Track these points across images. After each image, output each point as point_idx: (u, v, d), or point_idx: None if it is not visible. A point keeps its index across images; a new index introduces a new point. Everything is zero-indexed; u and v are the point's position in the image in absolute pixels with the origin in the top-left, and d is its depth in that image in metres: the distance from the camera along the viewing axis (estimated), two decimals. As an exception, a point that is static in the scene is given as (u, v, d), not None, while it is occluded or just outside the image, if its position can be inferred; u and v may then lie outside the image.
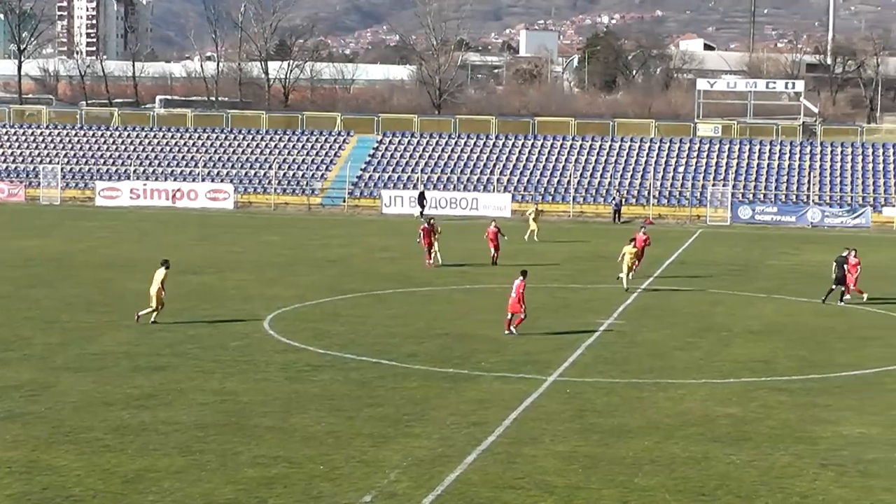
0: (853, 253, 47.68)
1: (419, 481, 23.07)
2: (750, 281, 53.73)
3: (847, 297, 47.09)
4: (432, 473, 23.58)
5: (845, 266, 46.89)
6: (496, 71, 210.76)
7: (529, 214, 69.78)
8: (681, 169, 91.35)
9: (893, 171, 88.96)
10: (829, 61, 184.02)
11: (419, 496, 22.23)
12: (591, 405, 29.64)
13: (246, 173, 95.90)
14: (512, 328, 38.36)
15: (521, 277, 38.71)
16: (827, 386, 32.72)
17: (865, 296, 47.21)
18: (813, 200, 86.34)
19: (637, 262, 50.28)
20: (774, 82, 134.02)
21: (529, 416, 28.40)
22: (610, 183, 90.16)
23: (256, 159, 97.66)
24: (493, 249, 56.69)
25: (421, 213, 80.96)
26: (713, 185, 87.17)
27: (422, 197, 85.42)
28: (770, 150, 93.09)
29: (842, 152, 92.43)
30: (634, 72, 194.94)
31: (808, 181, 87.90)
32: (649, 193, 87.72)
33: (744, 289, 51.06)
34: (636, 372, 33.69)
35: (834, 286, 46.87)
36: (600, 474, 23.95)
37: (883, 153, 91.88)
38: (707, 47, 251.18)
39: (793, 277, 55.92)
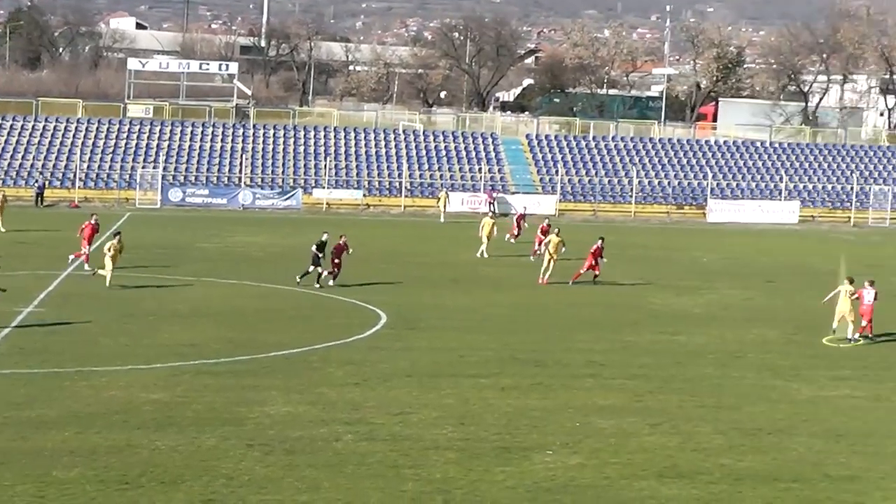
0: (343, 239, 47.62)
1: None
2: (180, 264, 52.87)
3: (331, 282, 46.99)
4: None
5: (320, 252, 46.83)
6: None
7: None
8: (109, 150, 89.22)
9: (324, 153, 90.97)
10: (263, 44, 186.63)
11: None
12: (7, 398, 28.13)
13: None
14: None
15: None
16: (255, 367, 32.70)
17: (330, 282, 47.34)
18: (245, 182, 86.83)
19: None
20: (208, 64, 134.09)
21: (-64, 412, 26.37)
22: (32, 165, 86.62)
23: None
24: None
25: None
26: (143, 167, 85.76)
27: None
28: (203, 132, 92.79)
29: (274, 135, 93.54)
30: (61, 49, 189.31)
31: (241, 163, 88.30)
32: (75, 176, 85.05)
33: (173, 272, 50.16)
34: (57, 361, 32.25)
35: (311, 268, 46.67)
36: (15, 469, 22.80)
37: (314, 136, 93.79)
38: (139, 26, 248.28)
39: (223, 260, 55.75)
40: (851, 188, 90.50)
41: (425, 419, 27.69)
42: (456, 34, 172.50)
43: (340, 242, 47.48)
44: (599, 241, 50.31)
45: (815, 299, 48.28)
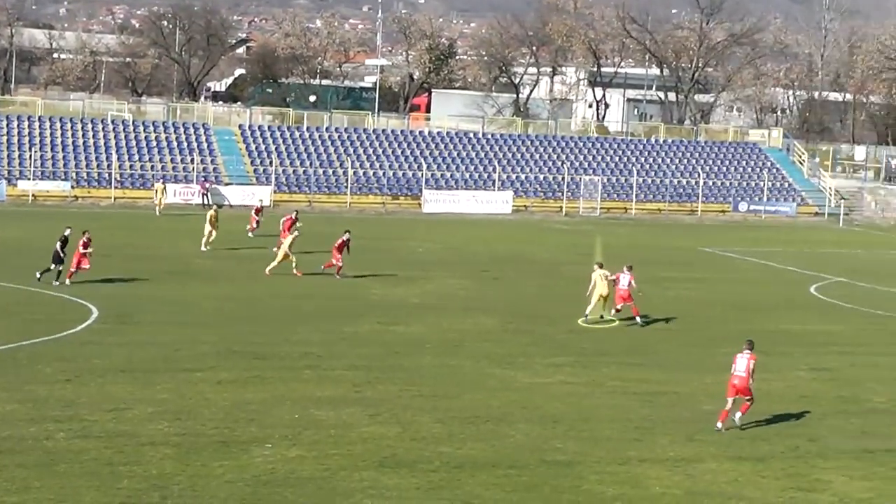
0: (85, 235, 45.57)
1: None
2: None
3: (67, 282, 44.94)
4: None
5: (63, 248, 44.81)
6: None
7: None
8: None
9: (28, 143, 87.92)
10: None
11: None
12: None
13: None
14: None
15: None
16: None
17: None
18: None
19: None
20: None
21: None
22: None
23: None
24: None
25: None
26: None
27: None
28: None
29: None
30: None
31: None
32: None
33: None
34: None
35: (53, 265, 44.64)
36: None
37: (17, 125, 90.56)
38: None
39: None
40: (563, 178, 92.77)
41: (140, 415, 26.98)
42: (165, 22, 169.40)
43: (84, 239, 45.75)
44: (346, 235, 49.94)
45: (530, 288, 49.42)
